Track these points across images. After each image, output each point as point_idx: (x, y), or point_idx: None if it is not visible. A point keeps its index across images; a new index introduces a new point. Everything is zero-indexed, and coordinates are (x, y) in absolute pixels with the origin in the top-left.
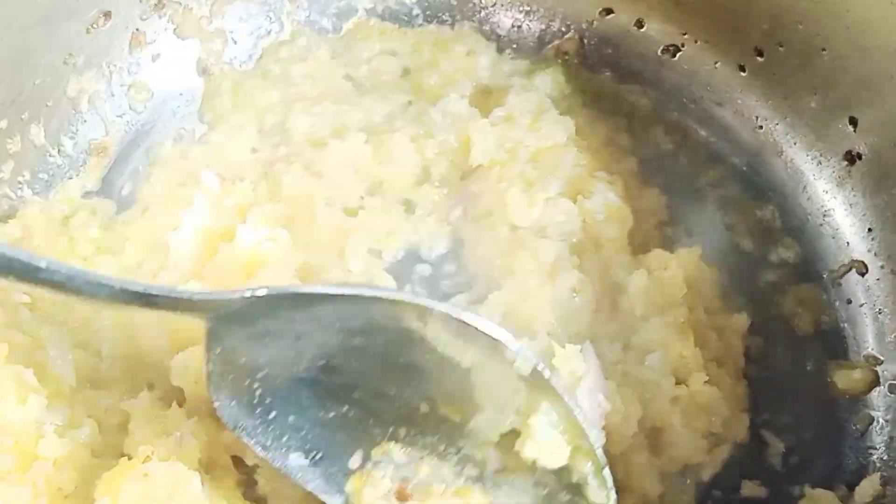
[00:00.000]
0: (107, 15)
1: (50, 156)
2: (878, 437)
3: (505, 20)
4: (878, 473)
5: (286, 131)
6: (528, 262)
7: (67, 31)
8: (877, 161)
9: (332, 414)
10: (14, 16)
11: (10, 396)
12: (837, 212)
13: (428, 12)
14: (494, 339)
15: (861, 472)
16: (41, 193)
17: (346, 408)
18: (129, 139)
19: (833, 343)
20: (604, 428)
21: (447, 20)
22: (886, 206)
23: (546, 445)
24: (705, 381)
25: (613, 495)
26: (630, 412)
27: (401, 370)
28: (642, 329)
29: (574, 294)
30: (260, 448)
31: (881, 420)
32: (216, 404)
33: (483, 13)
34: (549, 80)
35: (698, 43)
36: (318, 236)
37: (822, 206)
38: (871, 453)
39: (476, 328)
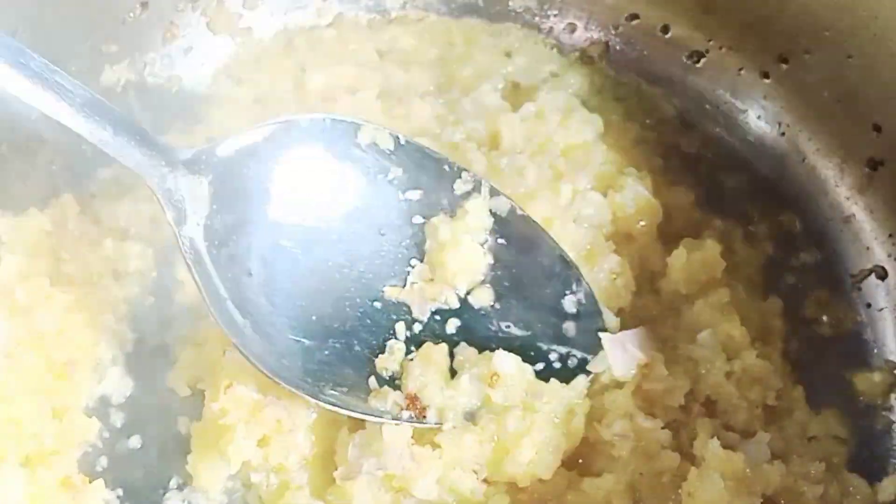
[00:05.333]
0: (144, 5)
1: (83, 145)
2: None
3: (532, 22)
4: None
5: (301, 86)
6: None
7: (104, 20)
8: None
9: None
10: (54, 2)
11: None
12: (858, 217)
13: (456, 12)
14: None
15: (881, 474)
16: (73, 181)
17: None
18: (157, 130)
19: (853, 347)
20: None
21: (478, 20)
22: None
23: None
24: (757, 355)
25: None
26: (675, 385)
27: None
28: (688, 311)
29: (614, 276)
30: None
31: None
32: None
33: (512, 15)
34: (577, 82)
35: (723, 49)
36: None
37: (844, 212)
38: (891, 454)
39: None
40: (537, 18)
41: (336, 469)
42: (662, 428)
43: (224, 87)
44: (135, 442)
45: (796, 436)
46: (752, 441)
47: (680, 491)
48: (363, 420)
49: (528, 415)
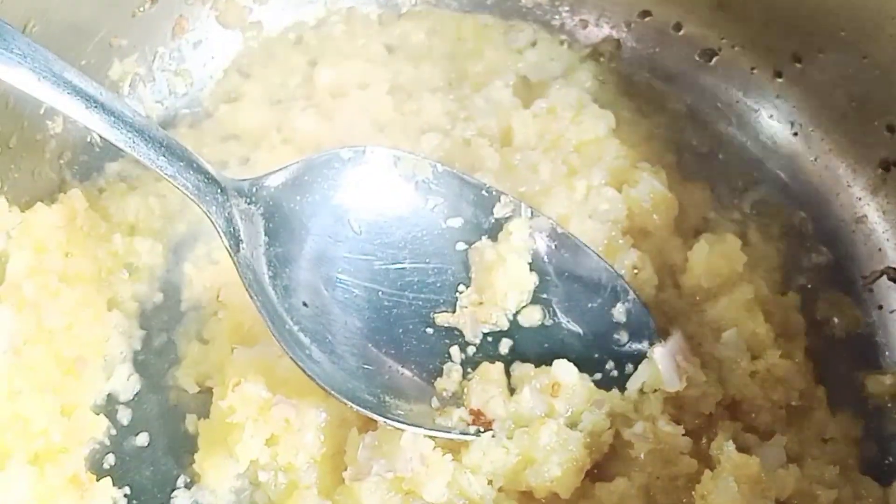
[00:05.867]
0: None
1: (90, 138)
2: None
3: (544, 18)
4: None
5: (311, 83)
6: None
7: (114, 13)
8: None
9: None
10: None
11: None
12: (871, 218)
13: (466, 8)
14: None
15: (893, 477)
16: (82, 175)
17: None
18: (167, 124)
19: (864, 348)
20: (682, 392)
21: (489, 16)
22: None
23: None
24: (780, 355)
25: None
26: (709, 392)
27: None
28: (711, 308)
29: (636, 271)
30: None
31: None
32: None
33: (523, 11)
34: (589, 78)
35: (736, 48)
36: None
37: (856, 213)
38: None
39: None
40: (549, 15)
41: (345, 469)
42: (684, 435)
43: (233, 82)
44: (142, 440)
45: (813, 437)
46: (768, 444)
47: (693, 493)
48: (376, 420)
49: (562, 430)
